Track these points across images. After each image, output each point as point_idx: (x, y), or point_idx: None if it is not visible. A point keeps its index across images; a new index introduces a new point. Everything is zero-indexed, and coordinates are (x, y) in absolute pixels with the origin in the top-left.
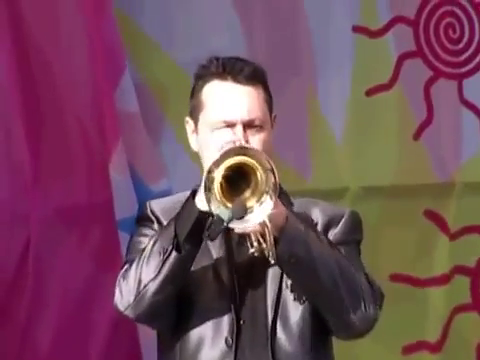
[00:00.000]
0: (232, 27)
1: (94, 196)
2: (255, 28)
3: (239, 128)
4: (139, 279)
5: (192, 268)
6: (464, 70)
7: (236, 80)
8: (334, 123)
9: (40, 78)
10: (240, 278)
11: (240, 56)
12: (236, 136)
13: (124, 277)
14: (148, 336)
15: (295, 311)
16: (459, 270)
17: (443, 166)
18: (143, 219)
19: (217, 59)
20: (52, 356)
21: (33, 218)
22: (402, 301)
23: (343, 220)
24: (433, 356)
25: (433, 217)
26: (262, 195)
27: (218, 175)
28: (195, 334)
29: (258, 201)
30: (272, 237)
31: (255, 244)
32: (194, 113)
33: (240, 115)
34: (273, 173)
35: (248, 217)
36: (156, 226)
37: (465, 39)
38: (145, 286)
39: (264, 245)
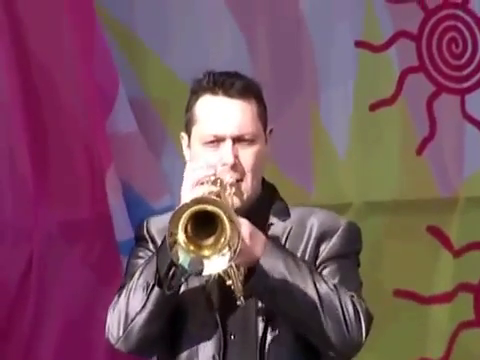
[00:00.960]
0: (235, 42)
1: (97, 211)
2: (258, 43)
3: (228, 143)
4: (126, 312)
5: (183, 288)
6: (467, 85)
7: (227, 94)
8: (337, 138)
9: (43, 94)
10: (230, 297)
11: (243, 71)
12: (223, 161)
13: (113, 309)
14: None
15: (286, 327)
16: (463, 287)
17: (446, 181)
18: (139, 239)
19: (210, 74)
20: None
21: (36, 233)
22: (406, 317)
23: (339, 232)
24: None
25: (436, 233)
26: (224, 248)
27: (180, 230)
28: (185, 352)
29: (218, 252)
30: (238, 279)
31: (231, 277)
32: (188, 127)
33: (230, 130)
34: (238, 232)
35: (206, 265)
36: (151, 246)
37: (468, 54)
38: (132, 320)
39: (233, 286)
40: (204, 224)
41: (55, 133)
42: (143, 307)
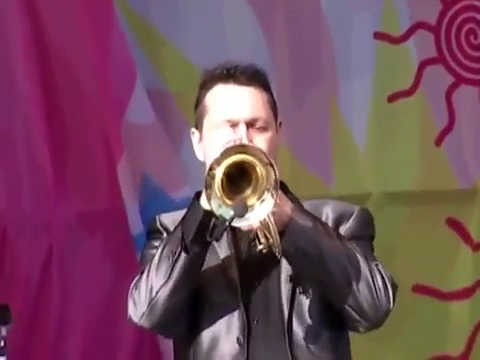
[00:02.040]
0: (254, 34)
1: (115, 202)
2: (277, 35)
3: (242, 127)
4: (150, 287)
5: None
6: None
7: (238, 82)
8: (356, 129)
9: (62, 83)
10: (250, 277)
11: (262, 63)
12: (237, 134)
13: (136, 287)
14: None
15: (310, 307)
16: None
17: (465, 172)
18: (153, 232)
19: (220, 66)
20: None
21: (55, 224)
22: (425, 313)
23: (354, 216)
24: None
25: (455, 226)
26: (263, 193)
27: (218, 173)
28: (207, 335)
29: (259, 199)
30: (276, 232)
31: (263, 240)
32: (199, 121)
33: (243, 114)
34: (273, 168)
35: (249, 215)
36: (166, 236)
37: None
38: (157, 293)
39: (271, 240)
40: (237, 180)
41: (74, 123)
42: (169, 277)
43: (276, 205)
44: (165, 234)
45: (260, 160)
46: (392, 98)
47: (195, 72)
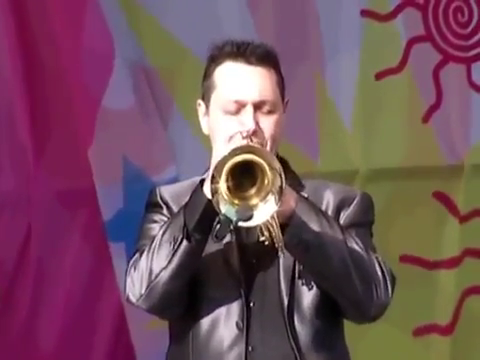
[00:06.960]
0: (241, 11)
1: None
2: (264, 12)
3: (249, 109)
4: (150, 269)
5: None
6: (473, 54)
7: (248, 61)
8: (343, 106)
9: (45, 60)
10: (250, 262)
11: (248, 39)
12: (244, 126)
13: (135, 267)
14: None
15: (308, 294)
16: (469, 253)
17: (452, 149)
18: (152, 205)
19: (231, 41)
20: (55, 344)
21: (34, 203)
22: (412, 283)
23: (355, 202)
24: (444, 338)
25: (442, 199)
26: (267, 194)
27: (223, 179)
28: (207, 319)
29: (263, 199)
30: (279, 229)
31: (265, 233)
32: (206, 95)
33: (251, 96)
34: (280, 176)
35: (255, 214)
36: (166, 211)
37: (474, 23)
38: (157, 276)
39: (273, 234)
40: (242, 177)
41: (56, 101)
42: (169, 262)
43: (280, 206)
44: (165, 208)
45: (269, 164)
46: (379, 76)
47: (180, 48)
